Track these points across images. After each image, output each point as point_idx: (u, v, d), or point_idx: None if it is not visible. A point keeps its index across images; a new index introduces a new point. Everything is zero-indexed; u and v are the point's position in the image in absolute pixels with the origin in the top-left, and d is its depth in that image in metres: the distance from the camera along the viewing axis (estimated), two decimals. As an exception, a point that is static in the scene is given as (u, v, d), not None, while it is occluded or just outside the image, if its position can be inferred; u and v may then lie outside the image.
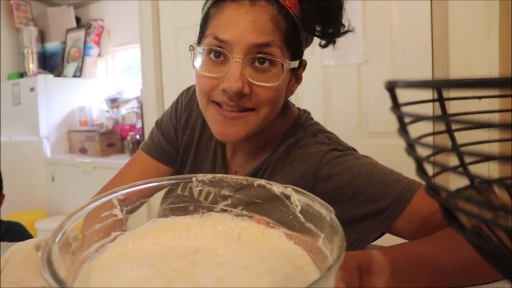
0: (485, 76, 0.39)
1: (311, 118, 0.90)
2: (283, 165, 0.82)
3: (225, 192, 0.54)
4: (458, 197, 0.27)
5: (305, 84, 2.21)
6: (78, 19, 3.98)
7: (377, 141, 1.98)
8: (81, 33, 3.82)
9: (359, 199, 0.73)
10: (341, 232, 0.38)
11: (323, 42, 0.83)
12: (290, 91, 0.83)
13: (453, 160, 0.36)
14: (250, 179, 0.51)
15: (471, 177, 0.30)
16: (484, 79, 0.25)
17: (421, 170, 0.29)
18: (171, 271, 0.42)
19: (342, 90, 2.14)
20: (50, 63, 3.98)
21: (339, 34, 0.81)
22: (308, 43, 0.84)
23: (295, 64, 0.77)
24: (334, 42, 0.82)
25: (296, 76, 0.83)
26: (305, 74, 0.87)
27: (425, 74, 1.91)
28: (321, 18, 0.78)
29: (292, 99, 0.91)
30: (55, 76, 3.73)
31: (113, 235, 0.49)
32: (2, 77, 3.83)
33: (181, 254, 0.45)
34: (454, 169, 0.28)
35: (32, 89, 3.51)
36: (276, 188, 0.49)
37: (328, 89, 2.17)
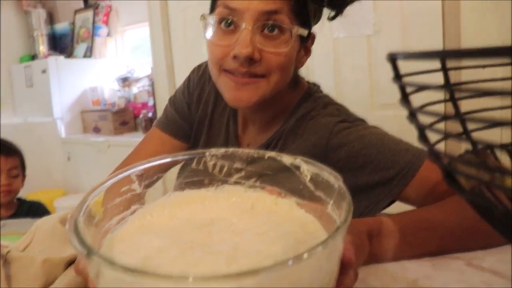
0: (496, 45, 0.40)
1: (321, 91, 0.91)
2: (295, 137, 0.84)
3: (238, 165, 0.55)
4: (458, 160, 0.28)
5: (316, 57, 2.22)
6: (85, 0, 3.98)
7: (388, 112, 1.98)
8: (89, 14, 3.82)
9: (369, 167, 0.75)
10: (348, 197, 0.40)
11: (332, 14, 0.84)
12: (300, 62, 0.85)
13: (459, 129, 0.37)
14: (261, 151, 0.53)
15: (472, 142, 0.32)
16: (482, 48, 0.27)
17: (422, 137, 0.31)
18: (188, 241, 0.44)
19: (352, 62, 2.13)
20: (60, 44, 4.00)
21: (346, 3, 0.82)
22: (316, 18, 0.85)
23: (303, 31, 0.79)
24: (342, 12, 0.83)
25: (305, 48, 0.85)
26: (315, 47, 0.88)
27: (436, 44, 1.89)
28: None
29: (303, 71, 0.92)
30: (65, 57, 3.75)
31: (132, 208, 0.51)
32: (14, 60, 3.87)
33: (197, 226, 0.47)
34: (455, 136, 0.30)
35: (43, 71, 3.55)
36: (286, 159, 0.51)
37: (338, 61, 2.17)
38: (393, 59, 0.29)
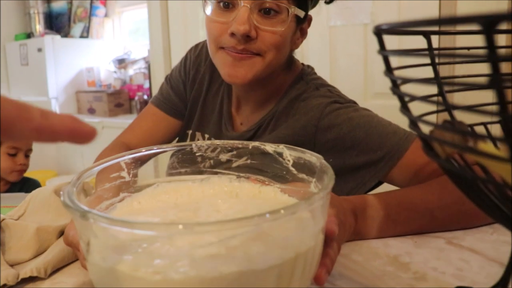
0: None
1: (315, 73, 0.92)
2: (287, 117, 0.85)
3: (223, 156, 0.57)
4: (435, 127, 0.30)
5: (312, 44, 2.23)
6: (84, -21, 3.95)
7: (382, 102, 2.00)
8: (87, -7, 3.80)
9: (357, 148, 0.77)
10: (330, 170, 0.42)
11: None
12: (294, 43, 0.86)
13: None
14: (245, 142, 0.55)
15: (448, 107, 0.33)
16: (459, 16, 0.28)
17: (404, 108, 0.33)
18: (175, 217, 0.46)
19: (348, 50, 2.14)
20: (57, 24, 3.98)
21: None
22: (313, 1, 0.86)
23: (300, 12, 0.80)
24: None
25: (301, 30, 0.86)
26: (311, 33, 0.89)
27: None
28: None
29: (298, 58, 0.94)
30: (62, 36, 3.73)
31: (121, 196, 0.53)
32: (9, 38, 3.84)
33: (183, 207, 0.49)
34: (424, 98, 0.31)
35: (39, 50, 3.53)
36: (269, 147, 0.53)
37: (334, 49, 2.17)
38: (379, 32, 0.31)
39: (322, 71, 2.14)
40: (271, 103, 0.89)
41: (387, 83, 0.32)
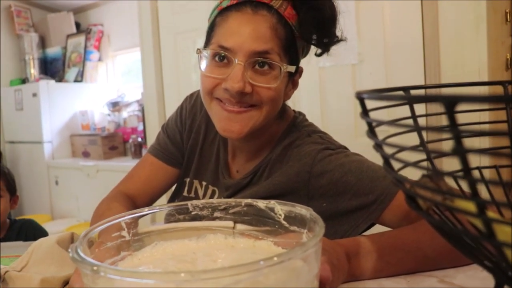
0: (474, 80, 0.46)
1: (306, 120, 0.96)
2: (281, 164, 0.88)
3: (218, 214, 0.60)
4: (416, 185, 0.33)
5: (302, 85, 2.25)
6: (78, 25, 4.06)
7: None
8: (81, 38, 3.90)
9: (349, 193, 0.80)
10: (320, 220, 0.45)
11: (319, 51, 0.90)
12: (287, 95, 0.90)
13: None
14: (238, 200, 0.58)
15: (432, 169, 0.37)
16: (443, 96, 0.32)
17: (387, 165, 0.36)
18: (175, 268, 0.48)
19: (337, 90, 2.21)
20: (51, 69, 4.06)
21: (333, 43, 0.88)
22: (304, 52, 0.91)
23: (292, 68, 0.84)
24: (328, 50, 0.89)
25: (293, 82, 0.91)
26: (302, 75, 0.94)
27: (417, 72, 1.98)
28: (316, 28, 0.86)
29: (290, 99, 0.97)
30: (56, 81, 3.80)
31: (122, 255, 0.55)
32: (4, 83, 3.90)
33: (182, 259, 0.51)
34: (413, 164, 0.35)
35: (34, 95, 3.59)
36: (261, 203, 0.56)
37: (324, 89, 2.24)
38: (361, 98, 0.34)
39: (314, 111, 2.22)
40: (265, 151, 0.92)
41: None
